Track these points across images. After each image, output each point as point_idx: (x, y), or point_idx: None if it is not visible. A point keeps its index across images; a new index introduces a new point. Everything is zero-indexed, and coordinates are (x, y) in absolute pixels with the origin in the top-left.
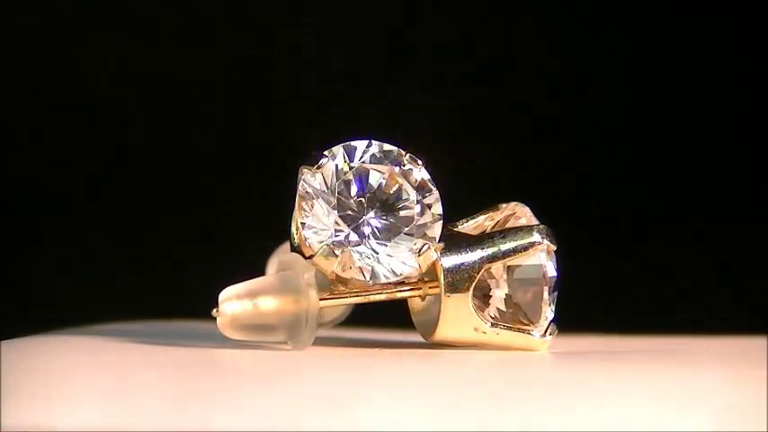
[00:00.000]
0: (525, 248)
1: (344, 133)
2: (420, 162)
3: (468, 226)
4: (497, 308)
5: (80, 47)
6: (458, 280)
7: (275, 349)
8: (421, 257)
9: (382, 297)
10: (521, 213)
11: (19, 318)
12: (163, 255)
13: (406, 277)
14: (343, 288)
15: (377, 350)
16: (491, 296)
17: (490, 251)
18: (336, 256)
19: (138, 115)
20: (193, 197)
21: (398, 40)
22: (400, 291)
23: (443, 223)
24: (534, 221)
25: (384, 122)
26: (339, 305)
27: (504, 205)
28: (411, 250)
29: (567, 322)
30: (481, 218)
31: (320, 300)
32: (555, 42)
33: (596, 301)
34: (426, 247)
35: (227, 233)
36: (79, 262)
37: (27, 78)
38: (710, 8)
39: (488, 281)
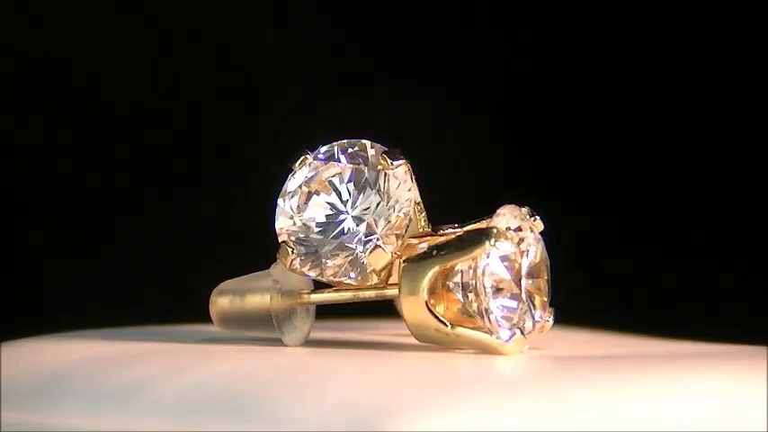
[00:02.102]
0: (469, 252)
1: (349, 132)
2: (394, 162)
3: (465, 229)
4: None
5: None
6: (414, 282)
7: (264, 345)
8: (370, 257)
9: (372, 295)
10: (511, 215)
11: (19, 320)
12: (175, 257)
13: (361, 278)
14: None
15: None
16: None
17: (441, 254)
18: (290, 253)
19: (143, 118)
20: (200, 197)
21: (397, 38)
22: (390, 289)
23: (418, 226)
24: (519, 223)
25: (386, 122)
26: (324, 302)
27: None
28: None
29: (567, 322)
30: (485, 221)
31: (312, 295)
32: (556, 42)
33: (594, 300)
34: (376, 247)
35: (238, 234)
36: (86, 265)
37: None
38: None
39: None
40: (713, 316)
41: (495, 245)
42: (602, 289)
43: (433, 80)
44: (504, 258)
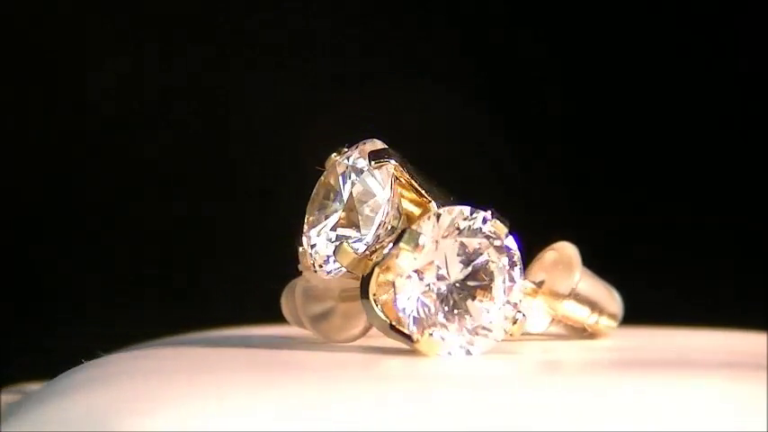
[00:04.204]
0: (391, 253)
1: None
2: (372, 163)
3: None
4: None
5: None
6: (364, 283)
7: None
8: (338, 255)
9: None
10: (445, 217)
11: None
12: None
13: (334, 275)
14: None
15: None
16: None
17: (381, 254)
18: (300, 250)
19: (162, 127)
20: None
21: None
22: None
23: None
24: (462, 224)
25: (395, 120)
26: (343, 301)
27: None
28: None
29: None
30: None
31: (341, 293)
32: (557, 41)
33: None
34: (341, 245)
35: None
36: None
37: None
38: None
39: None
40: (712, 313)
41: (407, 246)
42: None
43: (434, 78)
44: (416, 260)
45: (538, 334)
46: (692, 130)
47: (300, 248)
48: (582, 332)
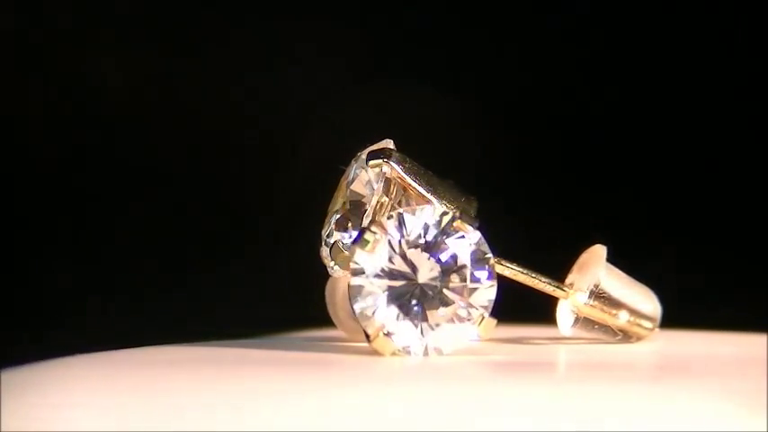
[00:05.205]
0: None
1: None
2: (369, 163)
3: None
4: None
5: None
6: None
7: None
8: (332, 255)
9: None
10: (408, 219)
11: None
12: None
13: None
14: None
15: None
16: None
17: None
18: (321, 249)
19: (170, 130)
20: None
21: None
22: None
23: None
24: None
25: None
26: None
27: None
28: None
29: None
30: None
31: None
32: (557, 41)
33: None
34: (334, 243)
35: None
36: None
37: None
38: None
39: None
40: (712, 313)
41: (361, 247)
42: None
43: (433, 79)
44: (381, 259)
45: (568, 337)
46: (693, 129)
47: (321, 248)
48: (614, 335)
